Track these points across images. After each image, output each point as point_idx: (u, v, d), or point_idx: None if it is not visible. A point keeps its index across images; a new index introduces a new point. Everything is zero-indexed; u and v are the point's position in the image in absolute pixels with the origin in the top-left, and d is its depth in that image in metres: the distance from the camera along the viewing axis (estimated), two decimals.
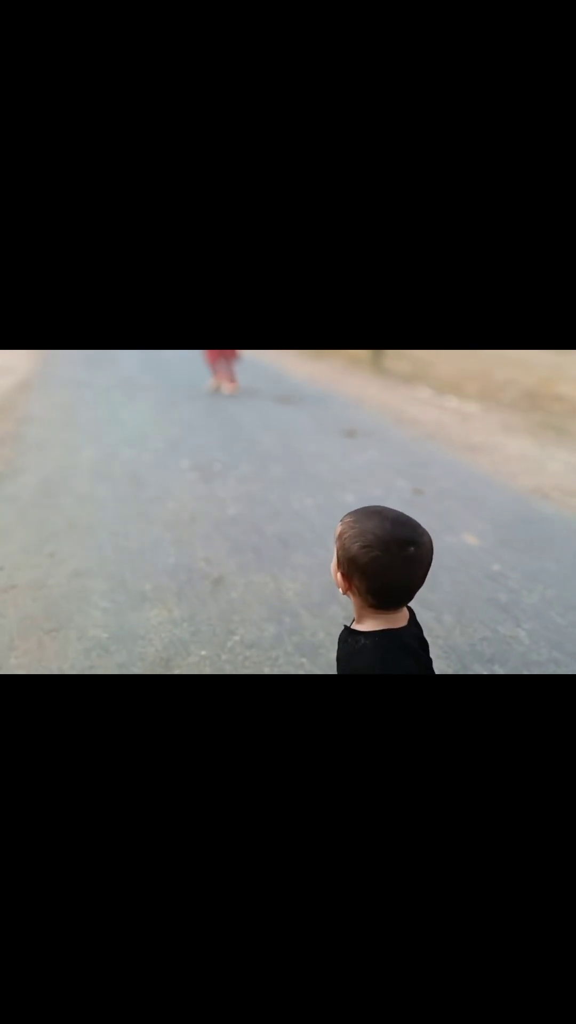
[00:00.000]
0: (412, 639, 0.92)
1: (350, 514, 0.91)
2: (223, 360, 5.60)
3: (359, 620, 0.92)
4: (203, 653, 1.90)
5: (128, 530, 2.69)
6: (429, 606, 2.19)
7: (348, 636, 0.94)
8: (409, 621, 0.93)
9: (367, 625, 0.90)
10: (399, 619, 0.91)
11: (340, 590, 0.91)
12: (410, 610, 0.94)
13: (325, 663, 1.87)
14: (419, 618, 0.98)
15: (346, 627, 0.95)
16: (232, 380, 5.68)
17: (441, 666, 1.87)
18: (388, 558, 0.83)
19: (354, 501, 3.13)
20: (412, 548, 0.84)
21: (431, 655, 1.00)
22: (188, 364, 6.77)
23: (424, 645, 0.96)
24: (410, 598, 0.90)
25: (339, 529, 0.90)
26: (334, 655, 0.98)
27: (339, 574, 0.90)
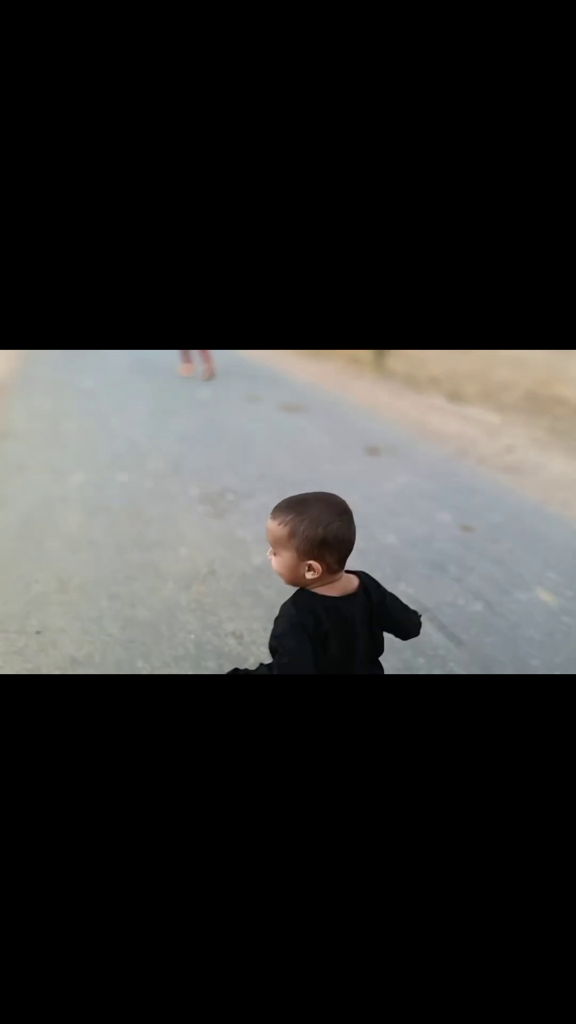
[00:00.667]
0: (350, 603, 1.06)
1: (281, 512, 1.05)
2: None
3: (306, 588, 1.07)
4: None
5: (134, 591, 2.15)
6: None
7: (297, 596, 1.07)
8: (360, 585, 1.09)
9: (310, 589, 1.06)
10: (348, 585, 1.08)
11: (295, 579, 1.05)
12: (369, 578, 1.13)
13: None
14: None
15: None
16: (208, 362, 5.87)
17: None
18: (342, 525, 1.03)
19: (397, 543, 2.64)
20: (346, 512, 1.06)
21: None
22: (179, 363, 6.19)
23: (368, 608, 1.08)
24: (343, 560, 1.05)
25: (286, 530, 1.02)
26: None
27: (304, 564, 1.02)
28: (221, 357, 7.03)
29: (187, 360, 5.92)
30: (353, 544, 1.05)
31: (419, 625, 1.20)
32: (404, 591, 2.24)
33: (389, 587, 1.19)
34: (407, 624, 1.18)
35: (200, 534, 2.59)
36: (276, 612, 1.09)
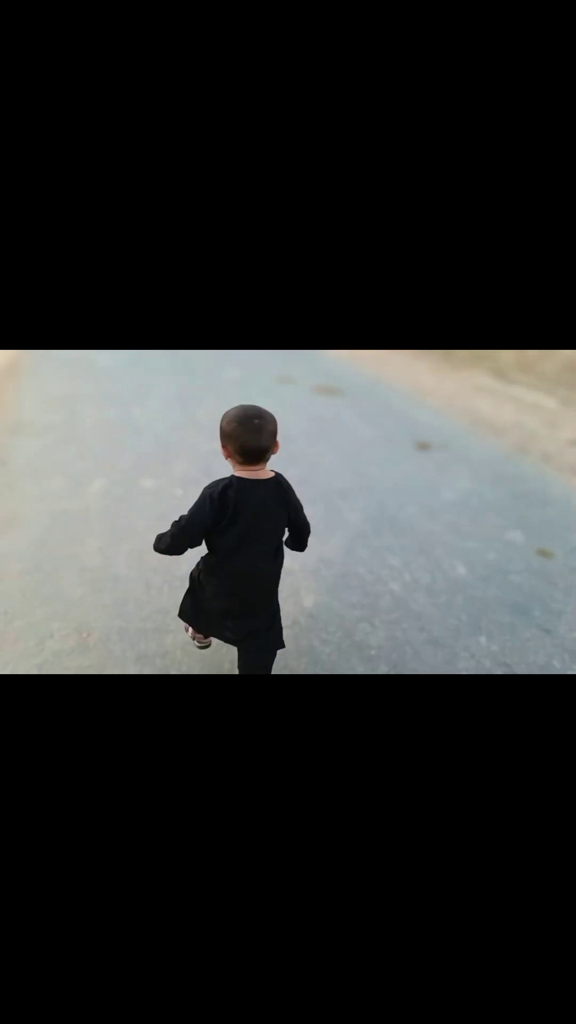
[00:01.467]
0: (262, 487, 1.30)
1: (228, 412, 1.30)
2: None
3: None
4: None
5: (165, 649, 1.79)
6: None
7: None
8: (273, 478, 1.32)
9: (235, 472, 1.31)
10: (260, 473, 1.31)
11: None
12: (279, 476, 1.34)
13: None
14: None
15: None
16: None
17: None
18: (241, 429, 1.25)
19: (468, 576, 2.23)
20: (257, 420, 1.26)
21: None
22: None
23: (282, 494, 1.33)
24: (262, 456, 1.28)
25: (221, 424, 1.29)
26: None
27: (223, 450, 1.30)
28: None
29: None
30: (252, 445, 1.26)
31: (306, 539, 1.45)
32: (487, 648, 1.86)
33: (468, 639, 1.49)
34: (300, 532, 1.42)
35: None
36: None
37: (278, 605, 1.46)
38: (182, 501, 2.65)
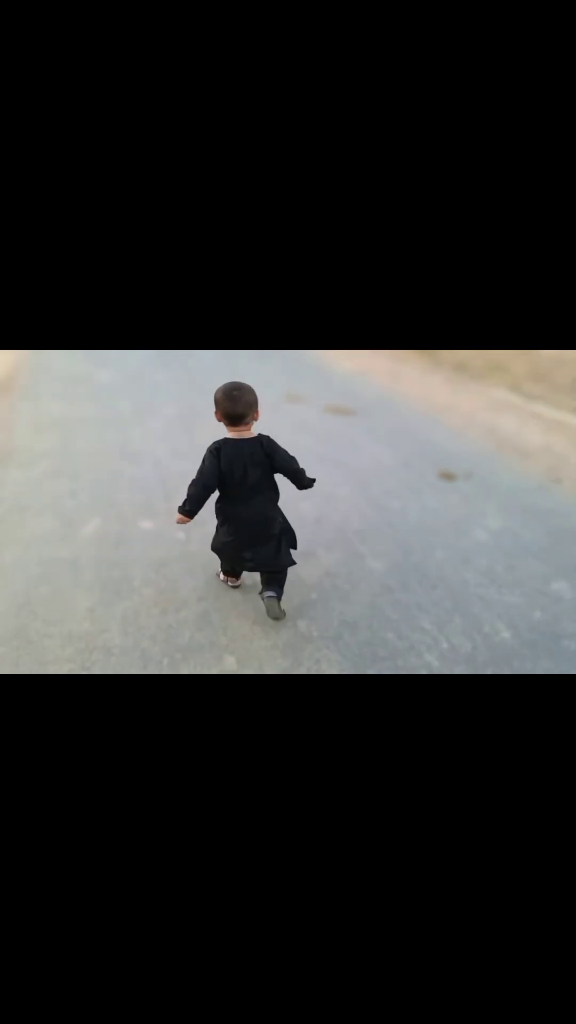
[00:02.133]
0: (247, 444, 1.68)
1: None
2: None
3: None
4: None
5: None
6: None
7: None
8: (255, 437, 1.70)
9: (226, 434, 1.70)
10: (244, 433, 1.69)
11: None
12: (265, 438, 1.72)
13: None
14: None
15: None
16: None
17: None
18: (224, 398, 1.65)
19: (513, 641, 1.93)
20: (236, 392, 1.66)
21: None
22: (208, 355, 5.40)
23: (263, 450, 1.70)
24: (242, 419, 1.66)
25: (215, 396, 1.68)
26: None
27: (215, 415, 1.70)
28: None
29: None
30: (232, 411, 1.66)
31: (304, 481, 1.80)
32: None
33: None
34: (294, 477, 1.79)
35: (249, 628, 1.92)
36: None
37: (282, 527, 1.80)
38: (184, 546, 2.35)
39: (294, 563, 1.84)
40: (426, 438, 3.75)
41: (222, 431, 1.75)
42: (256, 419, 1.71)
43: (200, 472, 1.69)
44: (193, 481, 1.69)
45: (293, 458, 1.76)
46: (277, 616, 1.83)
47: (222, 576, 2.05)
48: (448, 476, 3.18)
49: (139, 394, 4.37)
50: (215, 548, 1.89)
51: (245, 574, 2.09)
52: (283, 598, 1.92)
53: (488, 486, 3.09)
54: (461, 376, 5.57)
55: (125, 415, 3.89)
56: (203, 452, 1.73)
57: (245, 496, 1.70)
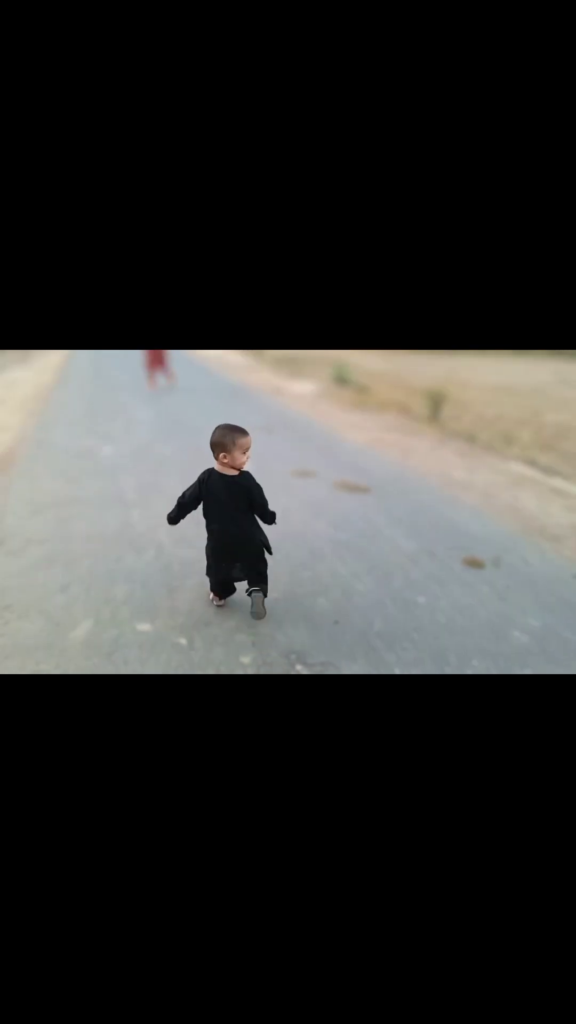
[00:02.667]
0: (228, 478, 1.98)
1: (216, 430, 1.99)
2: (159, 367, 7.80)
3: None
4: None
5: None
6: None
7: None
8: (238, 474, 2.00)
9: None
10: (227, 471, 1.99)
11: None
12: (247, 474, 2.03)
13: None
14: None
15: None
16: (170, 377, 8.00)
17: None
18: (220, 437, 1.95)
19: None
20: (216, 435, 1.95)
21: None
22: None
23: (239, 486, 2.00)
24: (215, 454, 1.98)
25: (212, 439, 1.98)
26: None
27: (220, 455, 1.97)
28: (264, 412, 6.26)
29: (152, 380, 7.85)
30: (214, 446, 1.98)
31: (267, 518, 2.11)
32: None
33: None
34: (260, 512, 2.09)
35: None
36: None
37: (259, 550, 2.10)
38: (187, 655, 2.05)
39: (270, 552, 2.19)
40: (447, 519, 3.50)
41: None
42: (226, 461, 1.98)
43: (187, 494, 2.08)
44: (181, 498, 2.10)
45: (264, 502, 2.09)
46: (260, 614, 2.16)
47: (211, 596, 2.26)
48: (475, 564, 2.90)
49: (144, 470, 4.19)
50: (208, 567, 2.23)
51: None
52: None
53: (521, 575, 2.80)
54: (472, 448, 5.41)
55: (127, 495, 3.67)
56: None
57: (218, 519, 2.05)
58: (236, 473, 1.99)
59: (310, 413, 6.75)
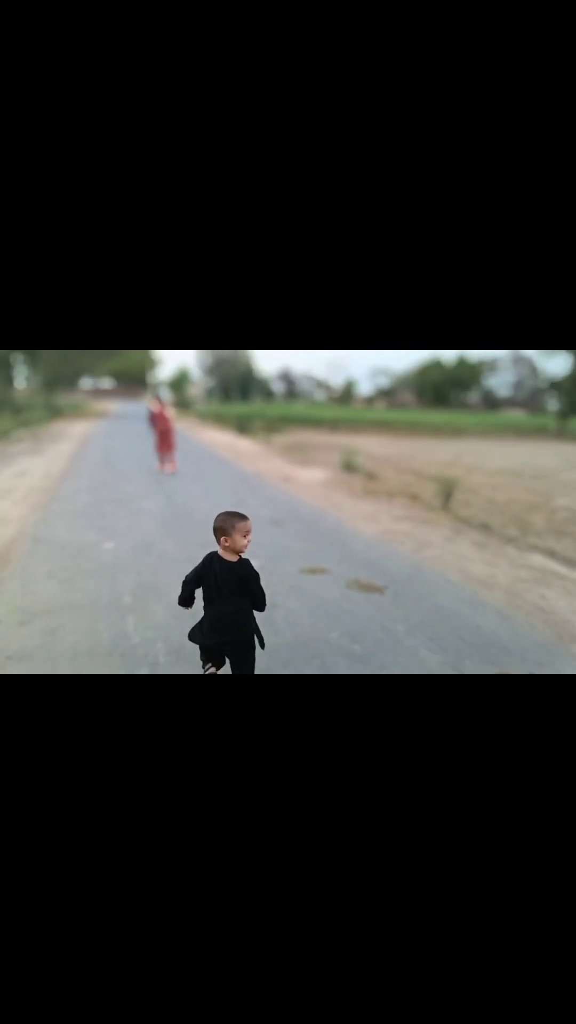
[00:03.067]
0: (227, 563, 2.07)
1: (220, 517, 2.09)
2: (168, 453, 8.38)
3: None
4: None
5: None
6: None
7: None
8: (236, 561, 2.08)
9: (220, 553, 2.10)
10: (229, 556, 2.08)
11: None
12: (246, 562, 2.09)
13: None
14: None
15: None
16: (172, 463, 8.47)
17: None
18: (221, 522, 2.04)
19: None
20: (218, 520, 2.04)
21: None
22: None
23: (236, 572, 2.07)
24: (217, 538, 2.06)
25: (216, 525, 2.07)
26: None
27: (222, 539, 2.05)
28: (273, 502, 6.15)
29: (162, 463, 8.50)
30: (218, 530, 2.05)
31: (258, 606, 2.14)
32: None
33: None
34: (253, 599, 2.12)
35: None
36: None
37: (248, 637, 2.15)
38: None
39: (262, 645, 2.19)
40: (471, 625, 3.18)
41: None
42: (228, 545, 2.05)
43: (191, 574, 2.17)
44: (185, 580, 2.19)
45: (259, 590, 2.11)
46: None
47: (205, 666, 2.26)
48: None
49: (144, 568, 3.94)
50: (191, 637, 2.23)
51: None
52: None
53: None
54: (488, 539, 5.16)
55: (124, 598, 3.40)
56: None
57: (214, 599, 2.11)
58: (236, 559, 2.09)
59: (320, 502, 6.59)
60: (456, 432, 25.46)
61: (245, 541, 2.06)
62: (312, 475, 8.87)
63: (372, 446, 15.37)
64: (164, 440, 8.40)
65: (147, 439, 11.04)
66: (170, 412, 8.65)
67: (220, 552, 2.09)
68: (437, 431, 25.68)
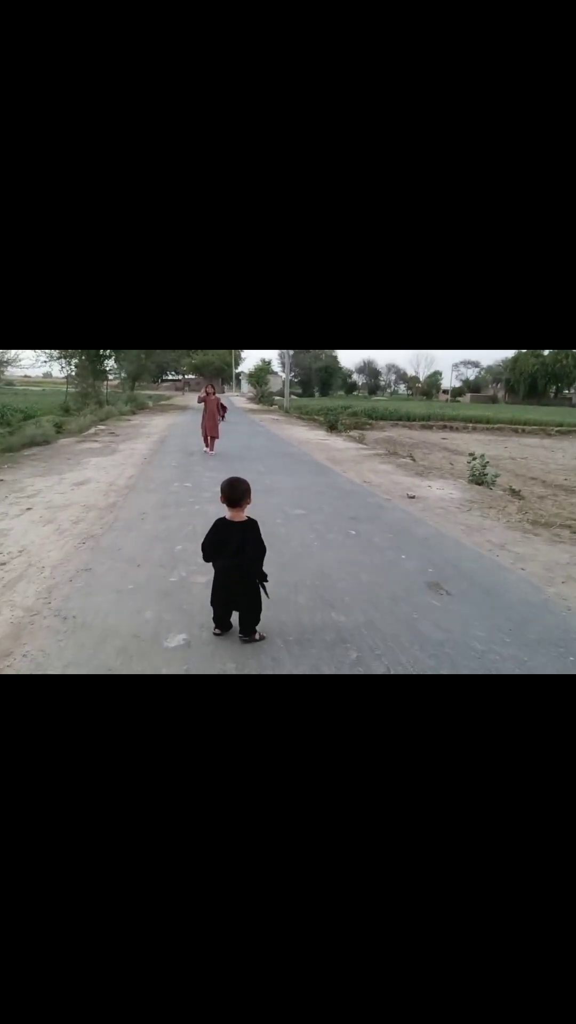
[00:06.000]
0: (237, 525, 2.45)
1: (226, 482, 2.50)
2: (211, 439, 9.42)
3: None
4: None
5: None
6: None
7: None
8: (245, 521, 2.46)
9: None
10: (237, 516, 2.46)
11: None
12: (253, 521, 2.49)
13: None
14: None
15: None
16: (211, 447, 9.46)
17: None
18: (227, 486, 2.46)
19: None
20: (235, 483, 2.46)
21: None
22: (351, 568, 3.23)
23: (245, 532, 2.45)
24: (236, 504, 2.45)
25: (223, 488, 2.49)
26: None
27: (244, 503, 2.45)
28: (420, 549, 4.02)
29: (209, 446, 9.42)
30: (227, 497, 2.46)
31: (257, 574, 2.51)
32: None
33: None
34: (260, 548, 2.49)
35: None
36: None
37: (257, 593, 2.50)
38: None
39: (266, 591, 2.55)
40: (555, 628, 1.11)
41: None
42: (246, 507, 2.47)
43: (207, 537, 2.50)
44: (203, 543, 2.52)
45: (261, 553, 2.51)
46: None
47: (215, 628, 2.56)
48: None
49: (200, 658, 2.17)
50: (213, 599, 2.54)
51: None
52: None
53: None
54: (542, 528, 2.97)
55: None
56: None
57: (224, 558, 2.45)
58: (245, 519, 2.46)
59: (475, 539, 4.55)
60: (566, 432, 22.17)
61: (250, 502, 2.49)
62: (440, 491, 6.78)
63: (476, 446, 12.98)
64: (211, 424, 9.42)
65: (236, 440, 9.48)
66: (213, 399, 9.48)
67: (230, 516, 2.45)
68: (539, 429, 22.51)
